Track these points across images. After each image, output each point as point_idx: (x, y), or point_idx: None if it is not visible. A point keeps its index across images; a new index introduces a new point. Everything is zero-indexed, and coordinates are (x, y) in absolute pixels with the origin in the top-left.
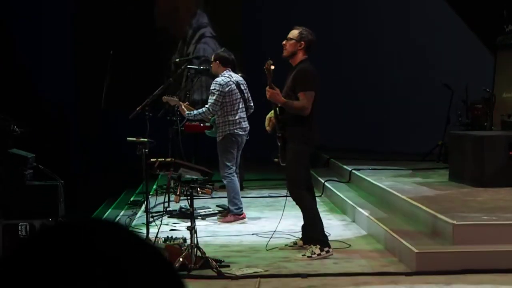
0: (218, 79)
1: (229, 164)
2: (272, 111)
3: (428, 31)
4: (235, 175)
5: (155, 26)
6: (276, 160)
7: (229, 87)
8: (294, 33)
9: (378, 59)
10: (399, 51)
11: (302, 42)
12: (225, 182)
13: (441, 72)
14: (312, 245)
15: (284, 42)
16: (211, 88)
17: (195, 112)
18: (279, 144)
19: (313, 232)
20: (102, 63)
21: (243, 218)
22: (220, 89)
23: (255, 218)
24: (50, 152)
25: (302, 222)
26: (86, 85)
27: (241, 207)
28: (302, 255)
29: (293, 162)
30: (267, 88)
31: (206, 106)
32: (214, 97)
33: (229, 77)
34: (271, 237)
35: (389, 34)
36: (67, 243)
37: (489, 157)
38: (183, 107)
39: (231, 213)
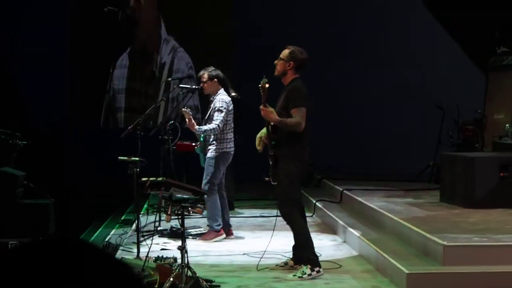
0: (224, 97)
1: (215, 181)
2: (263, 130)
3: (420, 52)
4: (217, 192)
5: (136, 46)
6: (267, 178)
7: (231, 105)
8: (284, 52)
9: (370, 79)
10: (391, 72)
11: (291, 62)
12: (207, 198)
13: (433, 93)
14: (303, 265)
15: (275, 62)
16: (218, 105)
17: (205, 127)
18: (270, 162)
19: (304, 252)
20: (98, 81)
21: (221, 234)
22: (226, 107)
23: (246, 238)
24: (43, 170)
25: (293, 242)
26: (80, 103)
27: (221, 224)
28: (293, 276)
29: (284, 182)
30: (261, 106)
31: (215, 123)
32: (222, 114)
33: (228, 96)
34: (261, 257)
35: (381, 55)
36: (32, 263)
37: (480, 178)
38: (193, 121)
39: (211, 229)
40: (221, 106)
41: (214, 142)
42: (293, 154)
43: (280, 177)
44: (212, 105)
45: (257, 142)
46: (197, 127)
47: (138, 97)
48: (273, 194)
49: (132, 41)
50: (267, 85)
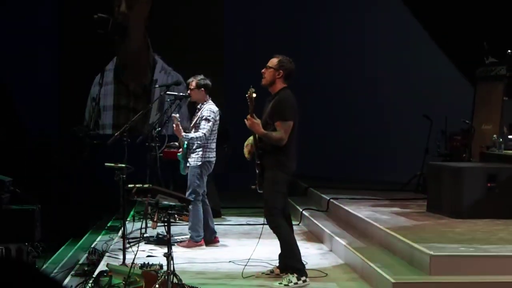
0: (212, 107)
1: (199, 190)
2: (250, 138)
3: (409, 61)
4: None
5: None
6: (253, 187)
7: (219, 116)
8: (273, 61)
9: (358, 89)
10: (379, 81)
11: (281, 71)
12: (191, 207)
13: (421, 103)
14: (289, 274)
15: (263, 70)
16: (206, 114)
17: (192, 135)
18: (257, 171)
19: (290, 261)
20: (86, 87)
21: (201, 245)
22: (214, 117)
23: (232, 245)
24: (29, 176)
25: (279, 250)
26: (68, 109)
27: (201, 235)
28: (279, 284)
29: (270, 190)
30: (248, 116)
31: (202, 131)
32: (209, 124)
33: (216, 107)
34: (246, 265)
35: (369, 64)
36: None
37: (467, 189)
38: (180, 127)
39: (191, 239)
40: (209, 116)
41: (198, 150)
42: (278, 163)
43: (265, 185)
44: (199, 113)
45: (245, 150)
46: (184, 134)
47: (126, 114)
48: (260, 202)
49: (118, 54)
50: (254, 95)
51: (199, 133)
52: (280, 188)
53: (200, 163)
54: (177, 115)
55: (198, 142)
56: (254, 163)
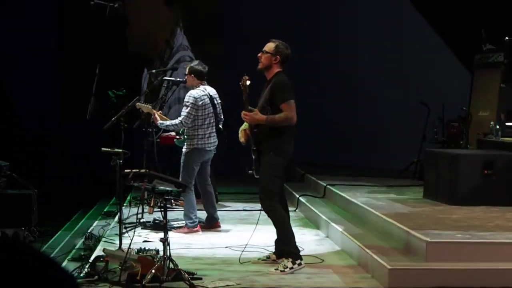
0: (193, 92)
1: (188, 179)
2: (246, 123)
3: (406, 48)
4: (193, 189)
5: (128, 50)
6: (250, 172)
7: (203, 101)
8: (270, 46)
9: (355, 75)
10: (376, 68)
11: (278, 56)
12: (182, 196)
13: (418, 90)
14: (284, 259)
15: (259, 55)
16: (185, 100)
17: (168, 122)
18: (253, 156)
19: (285, 245)
20: (84, 73)
21: (197, 231)
22: (194, 102)
23: (228, 231)
24: (26, 161)
25: (275, 236)
26: (66, 95)
27: (196, 221)
28: (275, 269)
29: (267, 175)
30: (244, 112)
31: (179, 118)
32: (187, 110)
33: (203, 91)
34: (243, 250)
35: (367, 51)
36: None
37: (464, 175)
38: (156, 115)
39: (187, 226)
40: (187, 102)
41: (187, 137)
42: (274, 147)
43: (262, 169)
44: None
45: (240, 134)
46: (159, 121)
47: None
48: (257, 187)
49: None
50: (248, 82)
51: (176, 120)
52: (277, 172)
53: (188, 150)
54: (149, 105)
55: (175, 129)
56: (250, 148)
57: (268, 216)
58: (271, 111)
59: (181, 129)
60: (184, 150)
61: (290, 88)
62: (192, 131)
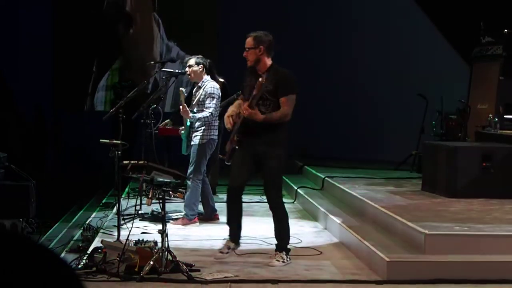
0: (214, 84)
1: (201, 169)
2: (232, 109)
3: (404, 40)
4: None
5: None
6: (221, 156)
7: (220, 92)
8: (249, 42)
9: (353, 68)
10: (375, 60)
11: (261, 47)
12: (191, 185)
13: (417, 82)
14: (278, 252)
15: (244, 54)
16: (209, 92)
17: (199, 115)
18: (232, 146)
19: (284, 240)
20: (81, 64)
21: (195, 222)
22: (218, 94)
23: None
24: (24, 152)
25: (273, 228)
26: (63, 86)
27: (196, 213)
28: (276, 261)
29: (277, 169)
30: (245, 106)
31: (209, 110)
32: (214, 101)
33: (217, 83)
34: (241, 243)
35: (364, 43)
36: None
37: (462, 168)
38: (186, 108)
39: (185, 216)
40: (213, 93)
41: (201, 129)
42: (282, 140)
43: (272, 164)
44: (201, 91)
45: (226, 120)
46: (191, 114)
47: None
48: (255, 179)
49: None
50: (265, 86)
51: (206, 112)
52: (283, 166)
53: (206, 141)
54: (183, 89)
55: (206, 121)
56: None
57: (276, 210)
58: (273, 103)
59: (187, 122)
60: (199, 141)
61: (295, 83)
62: (210, 122)
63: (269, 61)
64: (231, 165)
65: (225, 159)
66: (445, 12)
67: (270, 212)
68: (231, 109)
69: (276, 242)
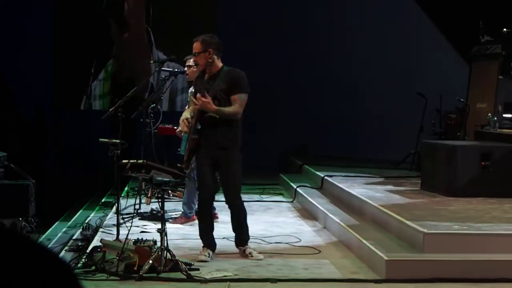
0: None
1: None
2: (186, 113)
3: (403, 39)
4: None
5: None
6: (179, 165)
7: None
8: (197, 46)
9: (353, 66)
10: (374, 59)
11: (210, 50)
12: (189, 183)
13: (416, 81)
14: (246, 247)
15: (194, 59)
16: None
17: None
18: (190, 146)
19: (246, 236)
20: (80, 63)
21: (193, 220)
22: None
23: (225, 222)
24: (24, 152)
25: (274, 227)
26: (62, 86)
27: (193, 211)
28: (252, 255)
29: (238, 171)
30: (199, 95)
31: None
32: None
33: None
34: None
35: (364, 42)
36: None
37: (461, 167)
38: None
39: (183, 215)
40: None
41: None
42: (239, 142)
43: (232, 167)
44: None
45: (181, 124)
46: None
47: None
48: (252, 179)
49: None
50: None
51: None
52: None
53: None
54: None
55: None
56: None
57: (237, 211)
58: (227, 103)
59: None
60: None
61: (246, 83)
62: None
63: (219, 63)
64: (197, 168)
65: (183, 167)
66: (445, 11)
67: (269, 211)
68: (185, 114)
69: (239, 237)
